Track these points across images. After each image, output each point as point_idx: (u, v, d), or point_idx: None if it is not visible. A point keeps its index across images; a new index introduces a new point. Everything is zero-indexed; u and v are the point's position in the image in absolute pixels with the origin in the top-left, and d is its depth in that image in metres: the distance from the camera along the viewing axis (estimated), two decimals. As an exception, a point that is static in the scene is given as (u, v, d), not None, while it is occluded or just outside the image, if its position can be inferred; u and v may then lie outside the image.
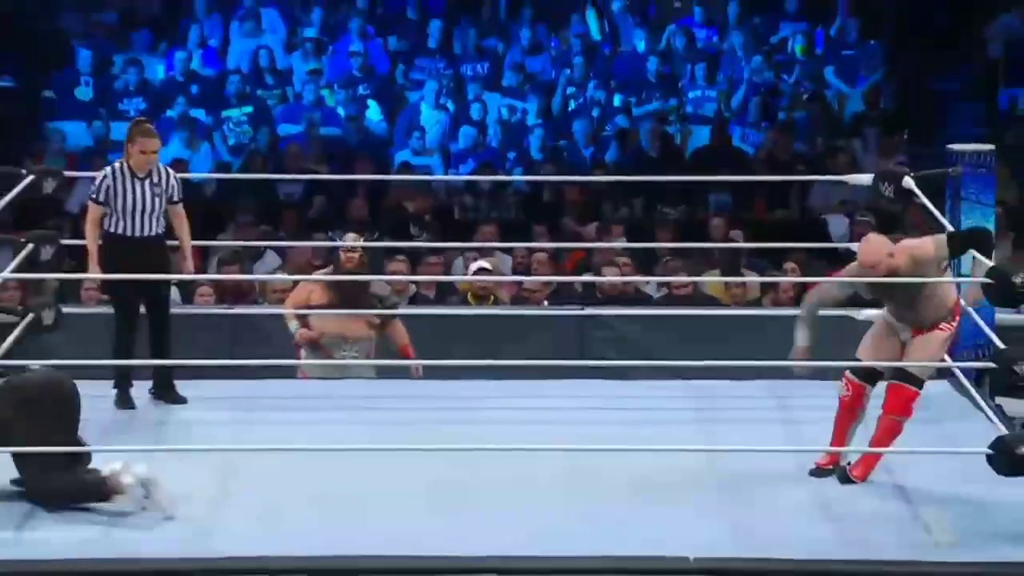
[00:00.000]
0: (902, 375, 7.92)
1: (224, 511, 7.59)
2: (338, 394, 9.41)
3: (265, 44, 15.81)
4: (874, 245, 7.95)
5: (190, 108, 15.21)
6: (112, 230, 8.81)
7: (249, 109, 15.28)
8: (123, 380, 8.95)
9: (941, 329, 7.98)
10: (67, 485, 7.42)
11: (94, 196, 8.83)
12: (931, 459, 8.01)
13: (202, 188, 14.39)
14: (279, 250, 12.78)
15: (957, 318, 8.08)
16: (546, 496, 7.73)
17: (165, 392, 9.02)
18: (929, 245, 8.01)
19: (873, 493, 7.87)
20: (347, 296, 9.90)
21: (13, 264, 9.15)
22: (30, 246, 9.28)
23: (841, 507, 7.72)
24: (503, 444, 8.03)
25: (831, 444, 8.05)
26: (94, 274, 8.93)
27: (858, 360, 8.06)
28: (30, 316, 9.20)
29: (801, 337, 8.07)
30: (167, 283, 9.13)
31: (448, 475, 7.87)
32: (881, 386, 8.03)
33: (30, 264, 9.34)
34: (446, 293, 11.72)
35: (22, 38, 16.04)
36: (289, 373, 10.01)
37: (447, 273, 12.34)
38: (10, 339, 8.84)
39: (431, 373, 9.70)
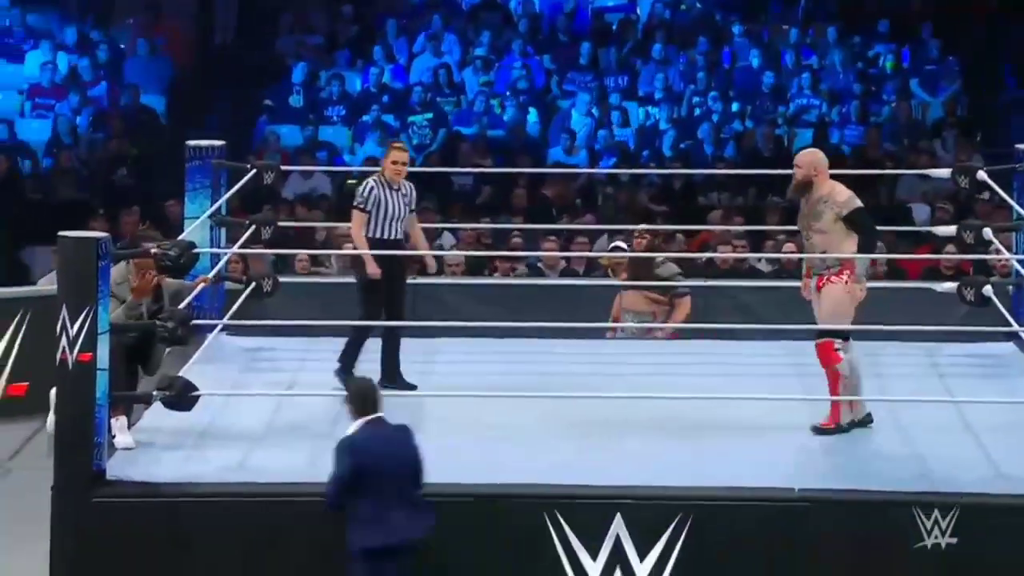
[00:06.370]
0: (816, 335, 7.87)
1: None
2: (508, 350, 9.25)
3: (444, 62, 15.83)
4: (811, 155, 8.07)
5: (382, 114, 15.25)
6: (370, 235, 8.45)
7: (430, 115, 15.29)
8: (352, 360, 8.41)
9: (832, 282, 7.85)
10: None
11: (361, 205, 8.45)
12: (999, 407, 7.87)
13: (392, 180, 14.47)
14: (452, 230, 12.78)
15: (846, 273, 7.84)
16: (673, 436, 7.70)
17: (393, 380, 8.37)
18: (847, 193, 7.97)
19: (945, 438, 7.74)
20: None
21: (240, 241, 9.19)
22: (252, 227, 9.31)
23: (920, 449, 7.61)
24: (639, 393, 8.03)
25: None
26: (372, 270, 8.35)
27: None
28: (252, 284, 9.26)
29: None
30: (405, 283, 8.62)
31: (591, 417, 7.86)
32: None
33: (252, 242, 9.38)
34: (592, 268, 11.67)
35: (250, 57, 16.19)
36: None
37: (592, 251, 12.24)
38: (237, 304, 8.91)
39: (574, 334, 9.35)
